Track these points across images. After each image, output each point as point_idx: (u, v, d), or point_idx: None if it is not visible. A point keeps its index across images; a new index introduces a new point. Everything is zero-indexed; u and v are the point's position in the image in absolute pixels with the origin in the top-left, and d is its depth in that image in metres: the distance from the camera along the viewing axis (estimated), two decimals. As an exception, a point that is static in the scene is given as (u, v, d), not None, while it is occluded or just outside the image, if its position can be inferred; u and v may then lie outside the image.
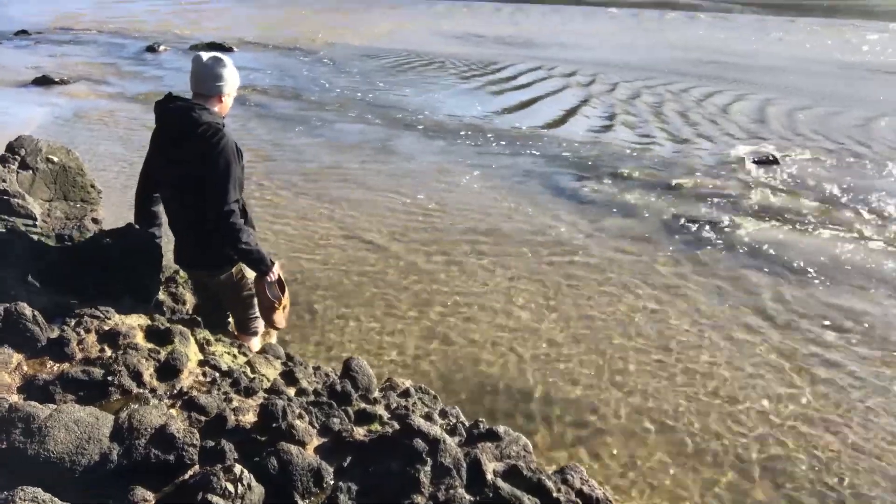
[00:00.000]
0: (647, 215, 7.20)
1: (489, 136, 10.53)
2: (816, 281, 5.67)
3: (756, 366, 4.39)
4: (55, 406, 2.43)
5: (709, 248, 6.36)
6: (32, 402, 2.41)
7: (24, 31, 20.74)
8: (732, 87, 15.20)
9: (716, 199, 7.72)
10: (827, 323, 4.99)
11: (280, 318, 3.82)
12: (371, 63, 17.43)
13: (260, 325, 3.92)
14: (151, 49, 17.93)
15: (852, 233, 6.79)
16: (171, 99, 3.38)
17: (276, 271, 3.60)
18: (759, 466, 3.49)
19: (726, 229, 6.80)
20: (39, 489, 1.88)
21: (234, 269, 3.64)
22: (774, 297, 5.36)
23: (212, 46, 17.93)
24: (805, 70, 17.91)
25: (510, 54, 19.23)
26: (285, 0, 34.71)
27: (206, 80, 3.34)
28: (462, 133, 10.68)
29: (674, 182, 8.36)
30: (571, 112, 12.54)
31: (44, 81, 13.33)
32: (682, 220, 7.03)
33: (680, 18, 30.96)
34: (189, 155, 3.37)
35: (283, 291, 3.72)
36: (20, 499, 1.77)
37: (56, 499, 1.85)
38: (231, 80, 3.40)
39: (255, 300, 3.74)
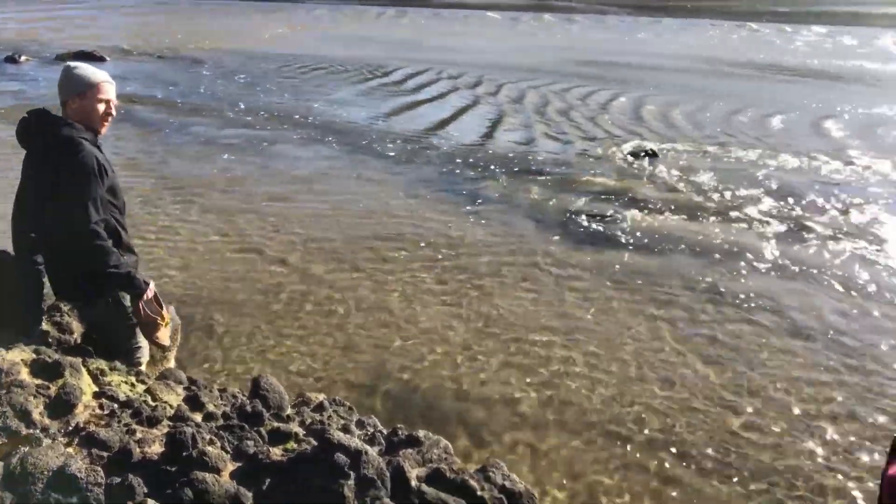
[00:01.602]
0: (537, 211, 7.43)
1: (381, 139, 10.52)
2: (696, 261, 6.06)
3: (653, 350, 4.64)
4: (-67, 458, 2.21)
5: (597, 239, 6.65)
6: None
7: None
8: (610, 85, 15.97)
9: (600, 193, 8.09)
10: (706, 299, 5.35)
11: (164, 335, 3.63)
12: (256, 68, 16.97)
13: (144, 354, 3.69)
14: (11, 59, 16.61)
15: (724, 216, 7.31)
16: (34, 113, 3.16)
17: (152, 290, 3.40)
18: (664, 443, 3.69)
19: (612, 220, 7.14)
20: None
21: (108, 299, 3.38)
22: (663, 282, 5.68)
23: (80, 56, 16.83)
24: (674, 67, 19.09)
25: (396, 57, 19.29)
26: (160, 8, 33.18)
27: (59, 91, 3.14)
28: (353, 137, 10.60)
29: (561, 178, 8.68)
30: (461, 113, 12.74)
31: None
32: (570, 215, 7.31)
33: (557, 21, 32.17)
34: (43, 173, 3.14)
35: (161, 308, 3.52)
36: None
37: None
38: (79, 79, 3.16)
39: (136, 328, 3.51)
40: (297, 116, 11.97)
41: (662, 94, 15.00)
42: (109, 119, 3.22)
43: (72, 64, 3.18)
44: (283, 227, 6.72)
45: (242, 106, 12.69)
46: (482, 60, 19.27)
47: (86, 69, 3.16)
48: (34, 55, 17.68)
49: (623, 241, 6.63)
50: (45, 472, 2.20)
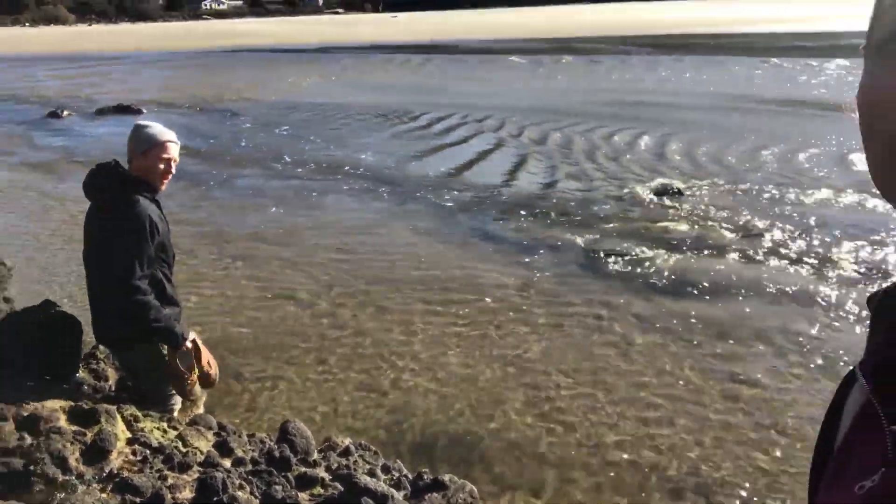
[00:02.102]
0: (562, 252, 7.46)
1: (410, 183, 10.70)
2: (722, 300, 6.02)
3: (684, 393, 4.60)
4: (-25, 504, 2.30)
5: (623, 279, 6.65)
6: (-51, 503, 2.27)
7: None
8: (633, 125, 16.06)
9: (627, 232, 8.10)
10: (733, 339, 5.30)
11: (194, 390, 3.75)
12: (289, 118, 17.46)
13: (177, 401, 3.81)
14: (54, 115, 17.35)
15: (751, 254, 7.26)
16: (101, 167, 3.37)
17: (189, 345, 3.54)
18: (694, 486, 3.64)
19: (639, 260, 7.14)
20: None
21: (146, 346, 3.52)
22: (686, 319, 5.65)
23: (119, 109, 17.51)
24: (698, 105, 19.15)
25: (423, 103, 19.68)
26: (193, 62, 34.42)
27: (128, 147, 3.35)
28: (382, 181, 10.80)
29: (586, 218, 8.72)
30: (485, 156, 12.92)
31: (-66, 155, 12.66)
32: (596, 254, 7.33)
33: (579, 62, 32.58)
34: (102, 226, 3.33)
35: (199, 361, 3.64)
36: None
37: None
38: (146, 137, 3.37)
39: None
40: (329, 162, 12.26)
41: (686, 132, 15.04)
42: (169, 176, 3.41)
43: (142, 123, 3.39)
44: (315, 272, 6.86)
45: (274, 152, 13.05)
46: (506, 104, 19.57)
47: (154, 128, 3.37)
48: (76, 110, 18.44)
49: (650, 280, 6.61)
50: (81, 518, 2.28)
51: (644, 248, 7.51)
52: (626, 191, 10.20)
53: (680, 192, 9.86)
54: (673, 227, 8.34)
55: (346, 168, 11.84)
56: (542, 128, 15.80)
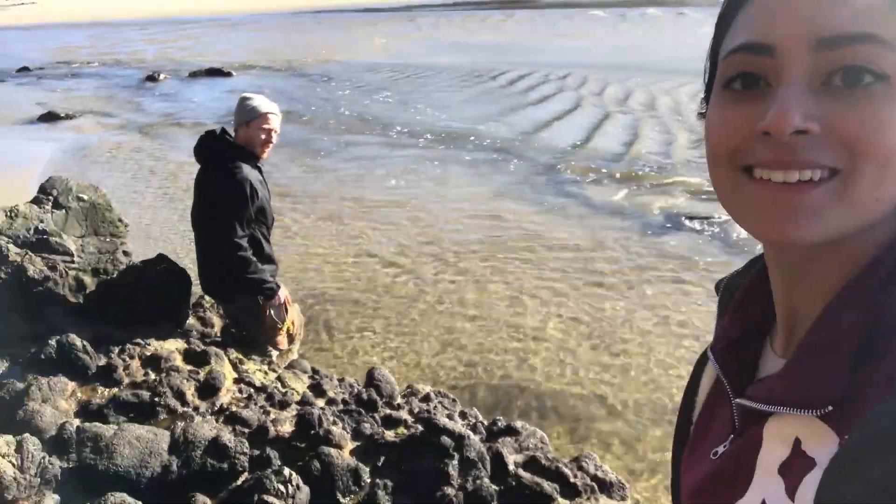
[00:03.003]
0: (643, 213, 7.46)
1: (491, 144, 10.82)
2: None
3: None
4: (117, 426, 2.70)
5: (705, 242, 6.62)
6: (97, 423, 2.68)
7: (25, 68, 21.17)
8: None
9: (711, 194, 7.98)
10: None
11: (283, 339, 4.11)
12: (369, 77, 17.77)
13: (283, 341, 4.19)
14: (152, 78, 18.30)
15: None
16: (209, 134, 3.70)
17: (282, 296, 3.88)
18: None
19: (722, 224, 7.07)
20: (126, 494, 2.15)
21: (245, 297, 3.87)
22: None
23: (210, 72, 18.28)
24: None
25: (505, 62, 19.56)
26: (277, 24, 35.15)
27: (234, 118, 3.66)
28: (463, 142, 10.97)
29: (670, 179, 8.63)
30: (567, 115, 12.83)
31: (49, 117, 13.67)
32: (681, 217, 7.29)
33: (665, 15, 31.31)
34: (209, 188, 3.67)
35: (286, 314, 4.00)
36: (111, 502, 2.04)
37: (140, 502, 2.11)
38: (250, 109, 3.66)
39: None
40: (410, 124, 12.51)
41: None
42: (270, 145, 3.73)
43: (246, 95, 3.71)
44: (397, 233, 7.16)
45: (358, 113, 13.41)
46: (587, 60, 19.18)
47: (256, 100, 3.68)
48: (171, 73, 19.37)
49: (731, 241, 6.56)
50: (203, 442, 2.64)
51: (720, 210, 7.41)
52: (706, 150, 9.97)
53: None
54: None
55: (427, 130, 12.04)
56: (626, 84, 15.47)
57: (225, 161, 3.56)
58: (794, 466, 0.57)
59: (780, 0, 0.54)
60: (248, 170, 3.55)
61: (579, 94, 14.90)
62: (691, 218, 7.27)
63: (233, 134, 3.68)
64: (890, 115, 0.51)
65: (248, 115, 3.61)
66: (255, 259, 3.68)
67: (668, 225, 7.14)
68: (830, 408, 0.54)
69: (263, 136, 3.64)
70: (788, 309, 0.65)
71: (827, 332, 0.57)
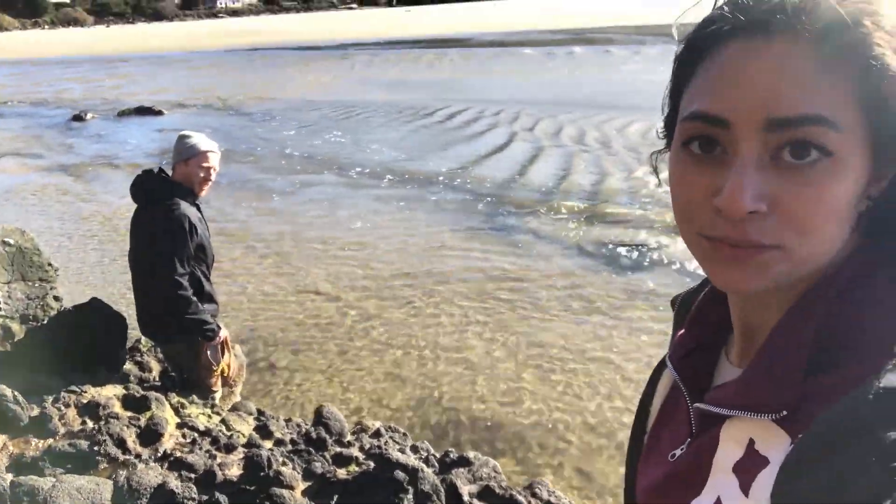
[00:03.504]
0: (581, 244, 7.66)
1: (428, 178, 10.93)
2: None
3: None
4: (54, 478, 2.57)
5: (640, 270, 6.85)
6: (33, 476, 2.55)
7: (-61, 109, 20.21)
8: (647, 114, 16.15)
9: (643, 223, 8.28)
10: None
11: (216, 382, 4.01)
12: (309, 116, 17.74)
13: (218, 390, 4.07)
14: (78, 118, 17.77)
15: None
16: (146, 173, 3.64)
17: (222, 337, 3.81)
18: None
19: (654, 251, 7.32)
20: (68, 548, 2.04)
21: (185, 339, 3.77)
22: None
23: (140, 111, 17.90)
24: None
25: (439, 98, 19.88)
26: (209, 62, 34.80)
27: (172, 155, 3.61)
28: (400, 177, 11.05)
29: (601, 210, 8.90)
30: (503, 149, 13.11)
31: (-31, 159, 13.07)
32: (616, 247, 7.52)
33: (593, 54, 32.56)
34: (145, 226, 3.59)
35: (223, 355, 3.91)
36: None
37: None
38: (188, 146, 3.62)
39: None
40: (348, 160, 12.52)
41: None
42: (208, 183, 3.69)
43: (185, 133, 3.67)
44: (338, 268, 7.12)
45: (295, 151, 13.35)
46: (519, 97, 19.71)
47: (194, 138, 3.65)
48: (99, 112, 18.86)
49: (659, 269, 6.80)
50: (148, 489, 2.55)
51: (659, 237, 7.69)
52: (641, 182, 10.36)
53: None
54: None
55: (365, 165, 12.09)
56: (557, 119, 15.95)
57: (163, 198, 3.50)
58: (748, 465, 0.61)
59: (737, 76, 0.59)
60: (185, 206, 3.50)
61: (512, 129, 15.26)
62: (626, 246, 7.51)
63: (170, 172, 3.63)
64: (830, 190, 0.57)
65: (186, 153, 3.57)
66: (195, 299, 3.60)
67: (605, 254, 7.36)
68: (784, 412, 0.59)
69: (202, 175, 3.60)
70: (745, 324, 0.71)
71: (781, 343, 0.63)
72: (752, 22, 0.59)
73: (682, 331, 0.81)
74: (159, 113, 18.28)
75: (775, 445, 0.59)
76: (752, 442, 0.62)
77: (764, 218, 0.58)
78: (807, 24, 0.56)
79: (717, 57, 0.61)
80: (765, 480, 0.58)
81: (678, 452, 0.72)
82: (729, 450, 0.64)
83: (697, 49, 0.64)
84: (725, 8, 0.61)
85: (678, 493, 0.69)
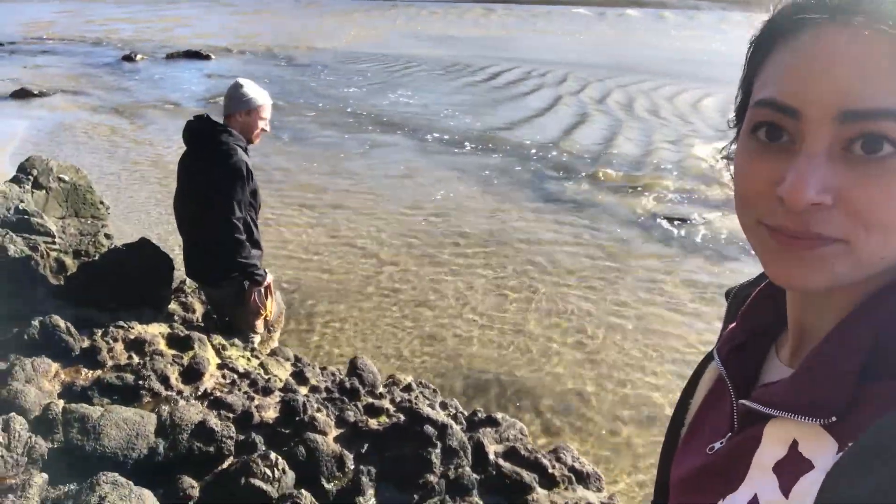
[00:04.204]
0: (622, 214, 7.59)
1: (471, 139, 10.87)
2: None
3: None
4: (102, 407, 2.71)
5: (681, 245, 6.77)
6: (83, 405, 2.69)
7: (-5, 42, 20.63)
8: (700, 84, 15.72)
9: (688, 196, 8.15)
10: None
11: (261, 325, 4.13)
12: (351, 68, 17.68)
13: (261, 326, 4.20)
14: (128, 59, 17.98)
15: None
16: (198, 118, 3.69)
17: (268, 282, 3.91)
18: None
19: (698, 226, 7.22)
20: (117, 474, 2.17)
21: (232, 283, 3.88)
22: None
23: (188, 55, 18.03)
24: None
25: (485, 56, 19.60)
26: (257, 7, 34.71)
27: (226, 102, 3.66)
28: (444, 137, 11.00)
29: (647, 181, 8.78)
30: (546, 112, 12.93)
31: (22, 94, 13.36)
32: (658, 219, 7.43)
33: (644, 17, 31.61)
34: (202, 171, 3.67)
35: (268, 299, 4.02)
36: (103, 481, 2.06)
37: (131, 482, 2.14)
38: (249, 97, 3.68)
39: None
40: (393, 116, 12.50)
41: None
42: (262, 134, 3.76)
43: (242, 81, 3.70)
44: (379, 224, 7.19)
45: (340, 103, 13.36)
46: (567, 58, 19.31)
47: (253, 89, 3.70)
48: (148, 54, 19.05)
49: (701, 244, 6.72)
50: (190, 425, 2.67)
51: (705, 213, 7.57)
52: (687, 153, 10.15)
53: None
54: (732, 193, 8.34)
55: (410, 123, 12.05)
56: (605, 84, 15.63)
57: (220, 144, 3.57)
58: (790, 466, 0.60)
59: (812, 66, 0.57)
60: (241, 153, 3.57)
61: (558, 91, 15.02)
62: (668, 219, 7.41)
63: (222, 118, 3.68)
64: None
65: (247, 105, 3.63)
66: (248, 243, 3.70)
67: (646, 225, 7.28)
68: (834, 418, 0.58)
69: (261, 126, 3.68)
70: (800, 323, 0.69)
71: (836, 347, 0.61)
72: (831, 9, 0.57)
73: (734, 324, 0.80)
74: (207, 57, 18.39)
75: (822, 450, 0.58)
76: (795, 443, 0.61)
77: (828, 210, 0.56)
78: (888, 14, 0.55)
79: (791, 43, 0.59)
80: (808, 484, 0.57)
81: (717, 446, 0.72)
82: (771, 449, 0.63)
83: (773, 35, 0.62)
84: None
85: (714, 486, 0.68)
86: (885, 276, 0.61)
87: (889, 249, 0.58)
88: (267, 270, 3.92)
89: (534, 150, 10.24)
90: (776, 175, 0.59)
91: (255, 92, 3.66)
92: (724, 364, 0.76)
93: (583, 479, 3.03)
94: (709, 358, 0.83)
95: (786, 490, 0.59)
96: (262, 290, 3.93)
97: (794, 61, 0.59)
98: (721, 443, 0.71)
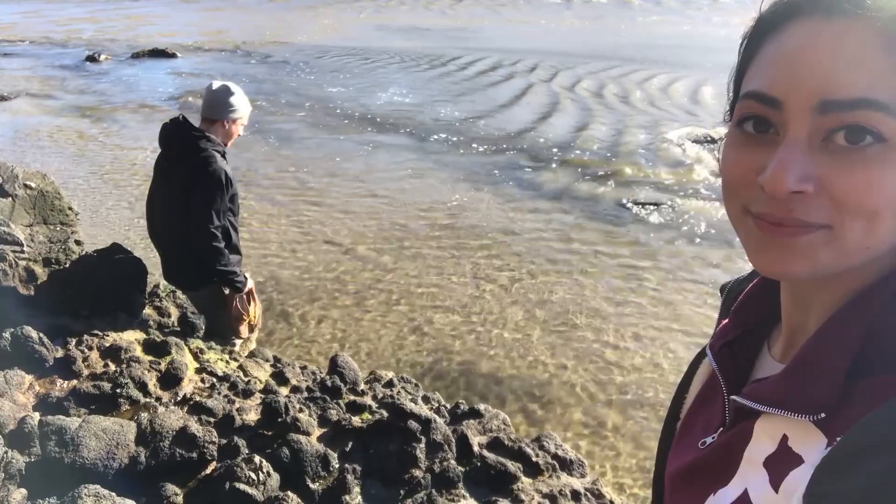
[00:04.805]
0: (593, 200, 7.64)
1: (443, 130, 10.85)
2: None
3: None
4: (80, 418, 2.67)
5: (654, 228, 6.84)
6: (61, 416, 2.65)
7: (-48, 46, 20.07)
8: (667, 69, 15.85)
9: (659, 182, 8.22)
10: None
11: (244, 329, 4.11)
12: (319, 62, 17.52)
13: (244, 331, 4.18)
14: (92, 59, 17.61)
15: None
16: (175, 122, 3.62)
17: (248, 287, 3.89)
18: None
19: (669, 210, 7.30)
20: (99, 485, 2.14)
21: (211, 287, 3.85)
22: (720, 271, 5.85)
23: (154, 53, 17.72)
24: (734, 48, 18.72)
25: (455, 47, 19.55)
26: (222, 4, 34.21)
27: (212, 106, 3.59)
28: (415, 129, 10.97)
29: (617, 166, 8.84)
30: (518, 101, 12.94)
31: (-17, 99, 13.05)
32: (628, 203, 7.49)
33: (613, 4, 31.75)
34: (179, 177, 3.62)
35: (249, 304, 4.01)
36: (85, 495, 2.03)
37: (114, 493, 2.11)
38: (236, 107, 3.64)
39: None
40: (362, 110, 12.42)
41: (723, 76, 14.83)
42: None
43: (231, 88, 3.62)
44: (354, 219, 7.15)
45: (310, 99, 13.24)
46: (536, 47, 19.34)
47: (241, 97, 3.65)
48: (112, 53, 18.68)
49: (674, 229, 6.79)
50: (170, 432, 2.64)
51: (675, 198, 7.65)
52: (659, 139, 10.24)
53: (713, 140, 9.87)
54: (702, 175, 8.44)
55: (379, 116, 11.99)
56: (575, 71, 15.68)
57: (199, 151, 3.52)
58: (780, 461, 0.61)
59: (794, 58, 0.58)
60: (220, 159, 3.53)
61: (529, 79, 15.04)
62: (641, 204, 7.48)
63: (200, 120, 3.63)
64: (881, 176, 0.55)
65: (235, 114, 3.59)
66: (226, 251, 3.66)
67: (619, 211, 7.34)
68: (823, 414, 0.58)
69: (241, 132, 3.67)
70: (792, 319, 0.70)
71: (826, 343, 0.61)
72: (815, 3, 0.58)
73: (726, 320, 0.80)
74: (173, 56, 18.09)
75: (811, 445, 0.59)
76: (785, 438, 0.62)
77: (811, 198, 0.57)
78: (870, 7, 0.55)
79: (777, 38, 0.61)
80: (797, 479, 0.58)
81: (709, 440, 0.72)
82: (761, 444, 0.64)
83: (761, 32, 0.63)
84: None
85: (705, 480, 0.69)
86: (873, 272, 0.61)
87: (873, 239, 0.58)
88: (248, 276, 3.90)
89: (506, 139, 10.25)
90: (760, 164, 0.60)
91: (242, 101, 3.63)
92: (716, 360, 0.77)
93: (566, 465, 3.06)
94: (703, 353, 0.84)
95: (775, 484, 0.60)
96: (244, 295, 3.91)
97: (778, 54, 0.60)
98: (713, 437, 0.72)
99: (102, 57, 17.88)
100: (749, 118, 0.62)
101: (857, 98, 0.55)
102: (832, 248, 0.58)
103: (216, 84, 3.62)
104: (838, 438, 0.55)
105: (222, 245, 3.55)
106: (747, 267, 0.72)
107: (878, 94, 0.54)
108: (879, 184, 0.56)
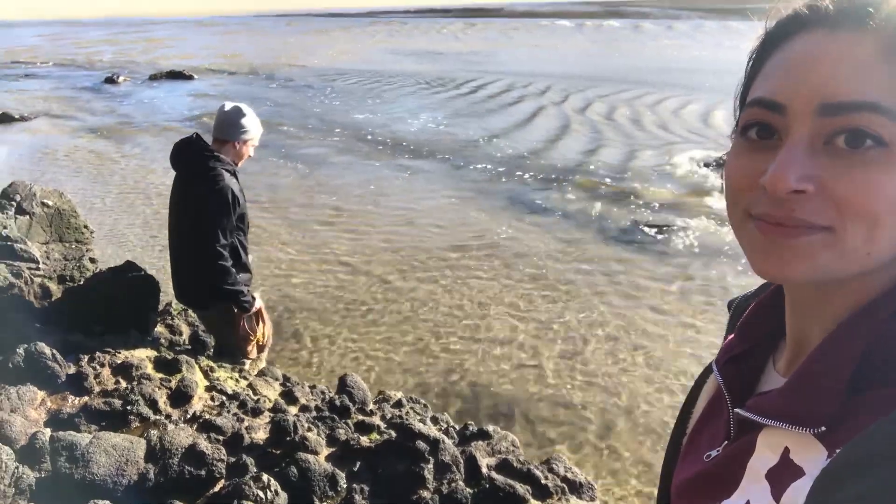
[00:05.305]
0: (605, 222, 7.64)
1: (454, 151, 10.92)
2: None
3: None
4: (91, 434, 2.69)
5: (665, 252, 6.82)
6: (70, 432, 2.66)
7: (-25, 68, 20.53)
8: (679, 92, 15.90)
9: (669, 204, 8.21)
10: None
11: (253, 350, 4.11)
12: (334, 84, 17.73)
13: (253, 351, 4.18)
14: (111, 80, 17.96)
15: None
16: (186, 141, 3.66)
17: (257, 307, 3.89)
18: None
19: (680, 232, 7.28)
20: (108, 502, 2.15)
21: (220, 306, 3.86)
22: (723, 294, 5.82)
23: (172, 75, 18.01)
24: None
25: (468, 70, 19.74)
26: (238, 28, 34.78)
27: (223, 127, 3.63)
28: (425, 150, 11.05)
29: (629, 189, 8.84)
30: (529, 122, 13.02)
31: (3, 119, 13.31)
32: (635, 225, 7.48)
33: (624, 27, 31.96)
34: (189, 196, 3.66)
35: (258, 325, 4.00)
36: (94, 510, 2.04)
37: (122, 509, 2.12)
38: (248, 129, 3.68)
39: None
40: (375, 132, 12.54)
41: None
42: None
43: (242, 109, 3.66)
44: (364, 241, 7.19)
45: (325, 120, 13.38)
46: (549, 70, 19.48)
47: (253, 119, 3.69)
48: (131, 76, 19.03)
49: (683, 252, 6.77)
50: (180, 449, 2.65)
51: (686, 220, 7.64)
52: (669, 161, 10.25)
53: (723, 164, 9.85)
54: (713, 198, 8.43)
55: (391, 138, 12.10)
56: (586, 95, 15.76)
57: (207, 170, 3.55)
58: (782, 473, 0.61)
59: (796, 64, 0.60)
60: (228, 178, 3.56)
61: (541, 102, 15.14)
62: (651, 227, 7.47)
63: (213, 140, 3.67)
64: (882, 180, 0.56)
65: (248, 135, 3.64)
66: (234, 270, 3.67)
67: (629, 234, 7.33)
68: (824, 427, 0.59)
69: (252, 155, 3.71)
70: (797, 333, 0.70)
71: (827, 357, 0.61)
72: (819, 18, 0.60)
73: (732, 336, 0.81)
74: (190, 77, 18.39)
75: (811, 458, 0.59)
76: (787, 451, 0.62)
77: (811, 198, 0.57)
78: (871, 16, 0.57)
79: (781, 50, 0.62)
80: (798, 491, 0.58)
81: (713, 453, 0.73)
82: (764, 456, 0.64)
83: (767, 46, 0.65)
84: (798, 4, 0.62)
85: (709, 492, 0.69)
86: (876, 286, 0.62)
87: (874, 244, 0.58)
88: (257, 296, 3.91)
89: (518, 161, 10.30)
90: (762, 168, 0.60)
91: (254, 123, 3.67)
92: (722, 374, 0.77)
93: (576, 489, 3.03)
94: (709, 369, 0.85)
95: (777, 496, 0.61)
96: (253, 315, 3.92)
97: (782, 63, 0.61)
98: (717, 450, 0.73)
99: (121, 79, 18.22)
100: (753, 125, 0.63)
101: (858, 101, 0.56)
102: (833, 251, 0.58)
103: (228, 105, 3.66)
104: (838, 451, 0.56)
105: (229, 264, 3.56)
106: (758, 284, 0.73)
107: (879, 99, 0.55)
108: (879, 187, 0.56)
